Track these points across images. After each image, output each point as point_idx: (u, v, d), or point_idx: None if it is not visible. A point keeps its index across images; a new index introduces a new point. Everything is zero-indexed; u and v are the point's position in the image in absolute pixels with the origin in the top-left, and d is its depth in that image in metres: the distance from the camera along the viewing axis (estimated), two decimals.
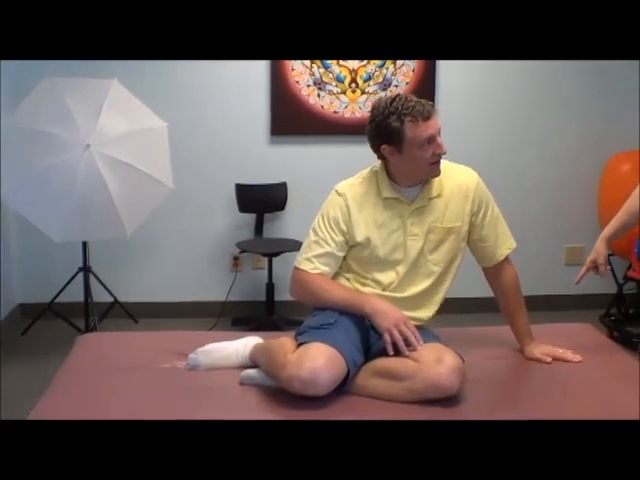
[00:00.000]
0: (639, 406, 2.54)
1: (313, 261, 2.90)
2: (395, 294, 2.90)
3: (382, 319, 2.71)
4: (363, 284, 2.93)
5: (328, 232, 2.90)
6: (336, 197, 2.93)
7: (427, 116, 2.75)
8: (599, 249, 3.02)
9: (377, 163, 2.96)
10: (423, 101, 2.79)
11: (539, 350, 2.98)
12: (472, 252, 3.06)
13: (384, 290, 2.91)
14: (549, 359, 2.95)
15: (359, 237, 2.88)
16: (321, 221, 2.93)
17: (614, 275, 5.10)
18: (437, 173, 2.86)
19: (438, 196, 2.91)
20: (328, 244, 2.89)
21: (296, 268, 2.95)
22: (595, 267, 3.03)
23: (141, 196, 4.47)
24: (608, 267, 3.08)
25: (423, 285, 2.93)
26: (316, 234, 2.92)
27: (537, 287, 5.17)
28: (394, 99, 2.80)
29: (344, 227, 2.89)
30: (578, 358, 2.95)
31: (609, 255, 3.11)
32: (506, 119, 5.45)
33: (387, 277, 2.91)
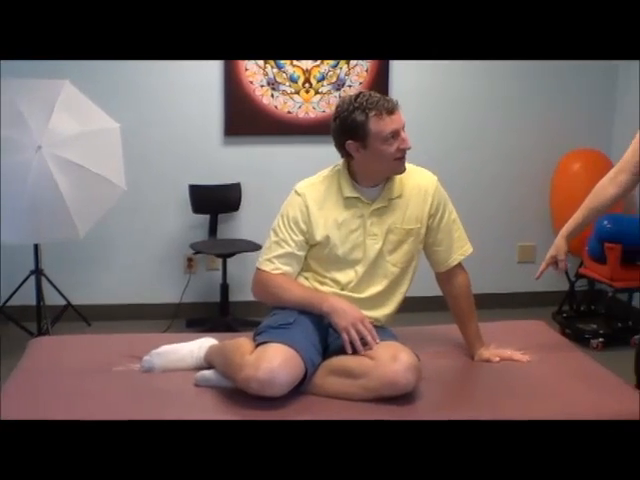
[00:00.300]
0: (593, 401, 2.59)
1: (274, 262, 2.89)
2: (353, 294, 2.90)
3: (340, 318, 2.72)
4: (322, 283, 2.93)
5: (288, 232, 2.89)
6: (295, 197, 2.93)
7: (391, 110, 2.77)
8: (559, 245, 3.05)
9: (340, 162, 2.96)
10: (387, 97, 2.81)
11: (488, 353, 3.00)
12: (426, 256, 3.06)
13: (342, 289, 2.91)
14: (497, 359, 2.97)
15: (319, 237, 2.88)
16: (281, 221, 2.92)
17: (566, 272, 5.14)
18: (402, 169, 2.87)
19: (398, 197, 2.92)
20: (288, 244, 2.89)
21: (258, 269, 2.94)
22: (555, 263, 3.06)
23: (93, 197, 4.43)
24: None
25: (381, 285, 2.94)
26: (276, 235, 2.92)
27: (490, 285, 5.24)
28: (358, 95, 2.81)
29: (304, 227, 2.89)
30: (526, 358, 2.98)
31: None
32: (459, 119, 5.48)
33: (346, 276, 2.92)
